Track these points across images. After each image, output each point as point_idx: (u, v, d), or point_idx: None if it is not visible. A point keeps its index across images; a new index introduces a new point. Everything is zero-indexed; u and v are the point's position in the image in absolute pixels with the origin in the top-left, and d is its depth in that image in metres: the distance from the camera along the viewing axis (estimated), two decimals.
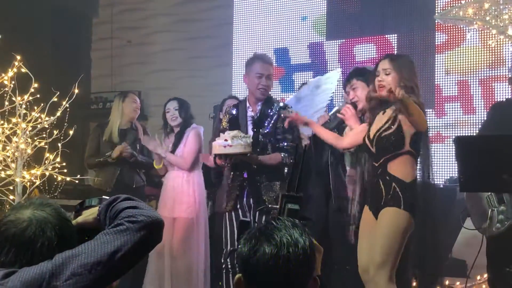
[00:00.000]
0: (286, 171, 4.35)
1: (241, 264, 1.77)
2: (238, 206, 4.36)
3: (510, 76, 4.19)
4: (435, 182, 5.57)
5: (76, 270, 1.70)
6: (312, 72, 6.80)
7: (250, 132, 4.33)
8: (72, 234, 1.88)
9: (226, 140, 4.06)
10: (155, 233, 1.82)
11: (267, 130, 4.31)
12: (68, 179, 3.95)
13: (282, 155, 4.28)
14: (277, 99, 4.49)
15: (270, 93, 4.52)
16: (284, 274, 1.69)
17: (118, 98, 5.39)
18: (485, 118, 4.86)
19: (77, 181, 4.09)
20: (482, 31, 5.63)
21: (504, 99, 5.50)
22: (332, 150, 4.25)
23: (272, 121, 4.33)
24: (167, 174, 5.12)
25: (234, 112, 4.48)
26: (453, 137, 5.42)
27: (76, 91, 3.86)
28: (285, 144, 4.31)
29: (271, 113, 4.34)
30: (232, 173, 4.40)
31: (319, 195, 4.53)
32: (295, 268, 1.70)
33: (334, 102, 6.46)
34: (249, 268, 1.73)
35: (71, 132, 3.90)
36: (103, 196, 1.98)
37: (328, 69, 6.64)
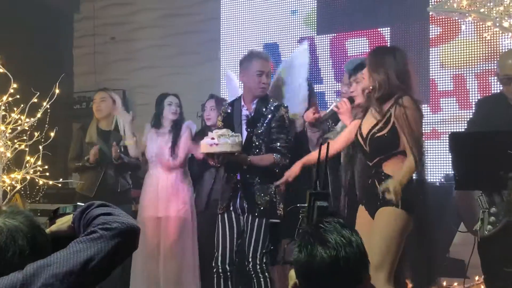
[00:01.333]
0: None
1: (300, 270, 1.83)
2: (231, 208, 4.37)
3: (497, 71, 4.20)
4: (431, 180, 5.66)
5: (48, 281, 1.68)
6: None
7: (244, 132, 4.33)
8: (45, 243, 1.86)
9: (212, 138, 4.06)
10: (130, 240, 1.80)
11: (261, 130, 4.32)
12: (50, 183, 3.94)
13: (274, 156, 4.27)
14: (272, 97, 4.47)
15: None
16: (346, 274, 1.78)
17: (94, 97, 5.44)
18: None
19: (60, 185, 4.08)
20: (477, 24, 5.66)
21: (489, 94, 5.55)
22: None
23: (267, 121, 4.33)
24: (150, 171, 5.12)
25: (229, 110, 4.49)
26: (449, 133, 5.45)
27: (57, 91, 3.86)
28: (278, 144, 4.31)
29: (266, 112, 4.34)
30: (225, 174, 4.41)
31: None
32: (355, 267, 1.80)
33: (326, 99, 6.51)
34: (310, 274, 1.79)
35: (52, 134, 3.90)
36: (78, 203, 1.96)
37: (320, 64, 6.66)
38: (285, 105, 4.41)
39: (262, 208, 4.26)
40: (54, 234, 1.92)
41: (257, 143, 4.31)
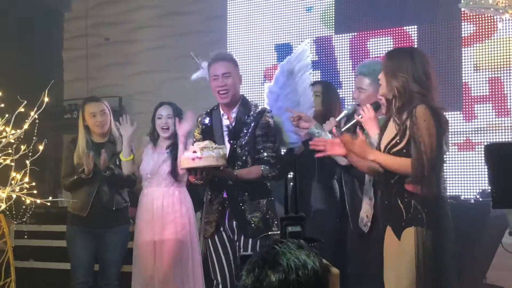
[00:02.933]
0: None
1: None
2: (222, 229, 4.37)
3: None
4: (465, 197, 5.64)
5: None
6: (319, 71, 6.83)
7: (227, 144, 4.33)
8: None
9: (194, 152, 4.02)
10: None
11: (245, 140, 4.31)
12: (38, 201, 3.95)
13: (262, 167, 4.27)
14: (254, 102, 4.47)
15: (245, 96, 4.50)
16: None
17: (80, 107, 5.36)
18: None
19: (49, 204, 4.09)
20: None
21: None
22: (346, 166, 4.23)
23: (250, 129, 4.33)
24: (145, 190, 5.12)
25: (207, 121, 4.48)
26: (485, 143, 5.43)
27: (46, 99, 3.86)
28: (265, 154, 4.31)
29: (249, 120, 4.34)
30: (210, 192, 4.41)
31: (328, 213, 4.55)
32: None
33: (345, 105, 6.52)
34: None
35: (41, 147, 3.91)
36: None
37: (338, 67, 6.67)
38: (269, 110, 4.39)
39: (254, 226, 4.25)
40: None
41: (242, 156, 4.31)
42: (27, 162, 3.90)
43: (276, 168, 4.28)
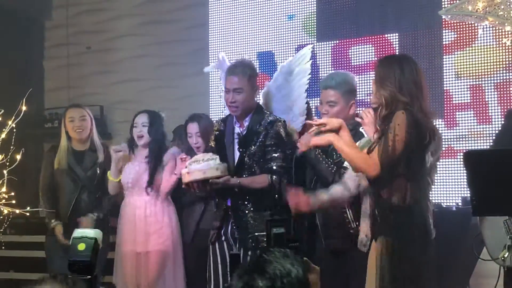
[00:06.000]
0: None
1: None
2: (223, 238, 4.36)
3: None
4: (447, 205, 5.66)
5: None
6: None
7: (237, 152, 4.33)
8: None
9: (186, 167, 4.17)
10: None
11: (254, 149, 4.30)
12: (17, 211, 3.93)
13: (269, 177, 4.27)
14: (268, 112, 4.46)
15: (261, 105, 4.53)
16: None
17: (63, 114, 5.38)
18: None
19: (28, 214, 4.07)
20: (496, 28, 5.69)
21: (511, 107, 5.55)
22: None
23: (260, 139, 4.32)
24: (127, 199, 5.09)
25: (222, 128, 4.49)
26: (466, 150, 5.45)
27: (24, 108, 3.86)
28: (274, 164, 4.30)
29: (260, 129, 4.34)
30: (216, 199, 4.42)
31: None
32: None
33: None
34: None
35: (18, 157, 3.89)
36: None
37: (320, 75, 6.69)
38: (282, 120, 4.38)
39: (255, 240, 4.23)
40: None
41: (250, 164, 4.31)
42: (5, 171, 3.89)
43: (284, 178, 4.28)
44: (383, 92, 3.54)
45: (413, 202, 3.47)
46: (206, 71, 5.34)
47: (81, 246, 2.41)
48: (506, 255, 3.82)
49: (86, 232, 2.47)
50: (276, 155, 4.29)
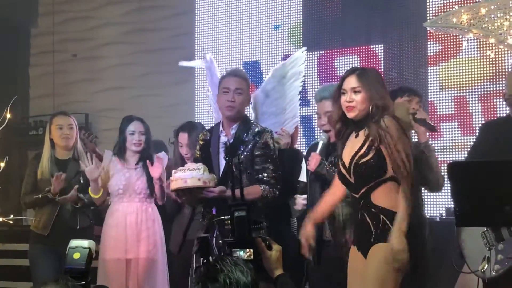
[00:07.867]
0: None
1: None
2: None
3: (505, 91, 4.25)
4: (431, 215, 5.68)
5: None
6: None
7: (223, 162, 4.32)
8: None
9: (171, 175, 4.17)
10: None
11: (240, 158, 4.28)
12: (0, 219, 3.91)
13: (262, 187, 4.25)
14: (255, 122, 4.46)
15: (247, 114, 4.52)
16: None
17: (48, 121, 5.36)
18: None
19: (11, 222, 4.05)
20: (480, 40, 5.74)
21: (495, 118, 5.59)
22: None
23: (248, 148, 4.31)
24: (116, 205, 5.06)
25: (208, 137, 4.48)
26: (451, 161, 5.48)
27: (9, 115, 3.85)
28: (265, 175, 4.29)
29: (247, 139, 4.33)
30: (202, 207, 4.41)
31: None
32: None
33: (316, 136, 6.54)
34: None
35: (2, 164, 3.88)
36: None
37: (306, 85, 6.71)
38: (269, 130, 4.38)
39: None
40: None
41: (235, 174, 4.28)
42: None
43: (277, 189, 4.24)
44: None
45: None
46: (181, 66, 5.31)
47: (76, 255, 2.61)
48: (485, 267, 3.83)
49: (81, 242, 2.67)
50: (266, 165, 4.28)
